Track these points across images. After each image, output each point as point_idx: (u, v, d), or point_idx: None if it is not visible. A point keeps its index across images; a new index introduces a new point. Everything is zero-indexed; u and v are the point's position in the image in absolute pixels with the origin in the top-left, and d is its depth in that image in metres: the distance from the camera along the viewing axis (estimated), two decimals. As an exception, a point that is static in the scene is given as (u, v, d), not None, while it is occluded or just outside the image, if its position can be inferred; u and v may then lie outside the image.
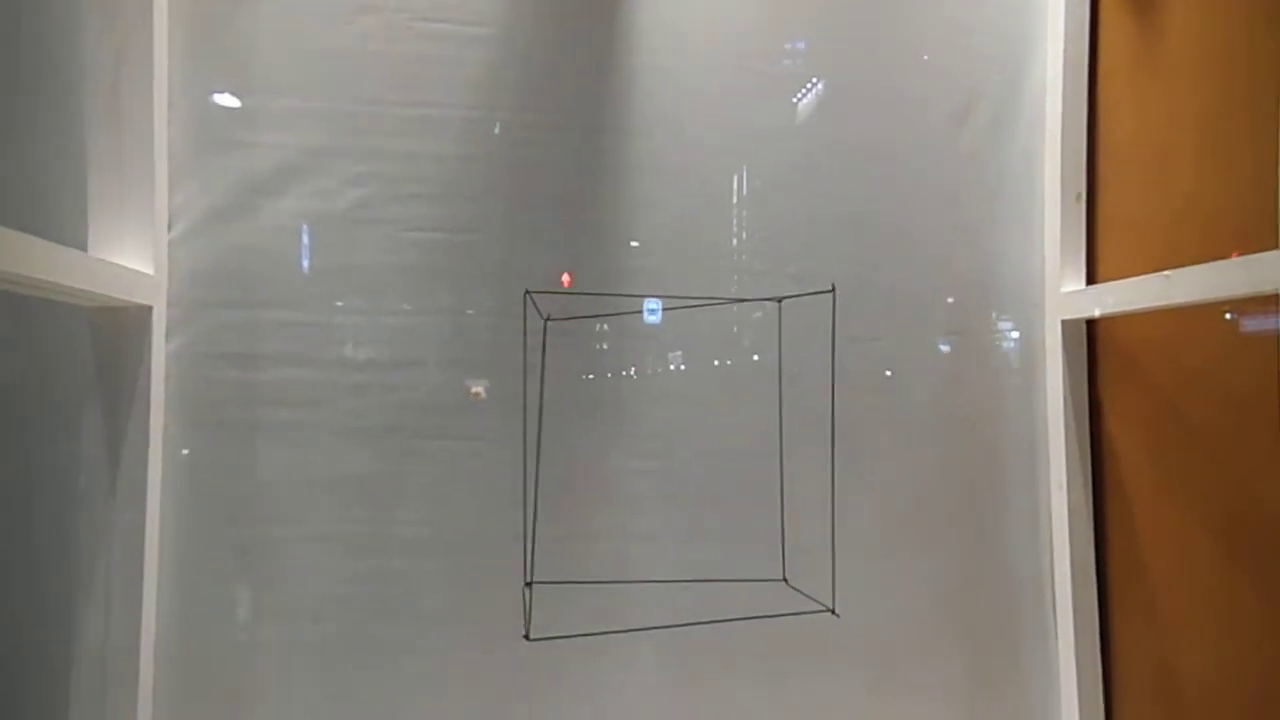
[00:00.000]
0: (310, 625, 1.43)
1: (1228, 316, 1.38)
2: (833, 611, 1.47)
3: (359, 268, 1.46)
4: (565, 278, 1.47)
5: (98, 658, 1.30)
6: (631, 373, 1.53)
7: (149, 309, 1.34)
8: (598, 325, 1.51)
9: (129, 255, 1.31)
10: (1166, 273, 1.33)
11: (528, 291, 1.46)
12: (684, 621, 1.47)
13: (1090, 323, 1.62)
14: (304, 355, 1.45)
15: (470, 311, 1.49)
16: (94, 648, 1.30)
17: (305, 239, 1.45)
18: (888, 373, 1.61)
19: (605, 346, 1.52)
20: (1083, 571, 1.60)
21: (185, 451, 1.40)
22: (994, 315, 1.66)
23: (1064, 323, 1.61)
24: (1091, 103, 1.62)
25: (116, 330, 1.32)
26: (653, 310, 1.51)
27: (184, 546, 1.40)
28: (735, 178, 1.57)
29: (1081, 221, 1.61)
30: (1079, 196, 1.61)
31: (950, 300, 1.64)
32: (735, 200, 1.56)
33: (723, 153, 1.57)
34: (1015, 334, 1.66)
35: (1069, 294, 1.60)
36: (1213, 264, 1.24)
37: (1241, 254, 1.27)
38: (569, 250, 1.51)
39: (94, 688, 1.29)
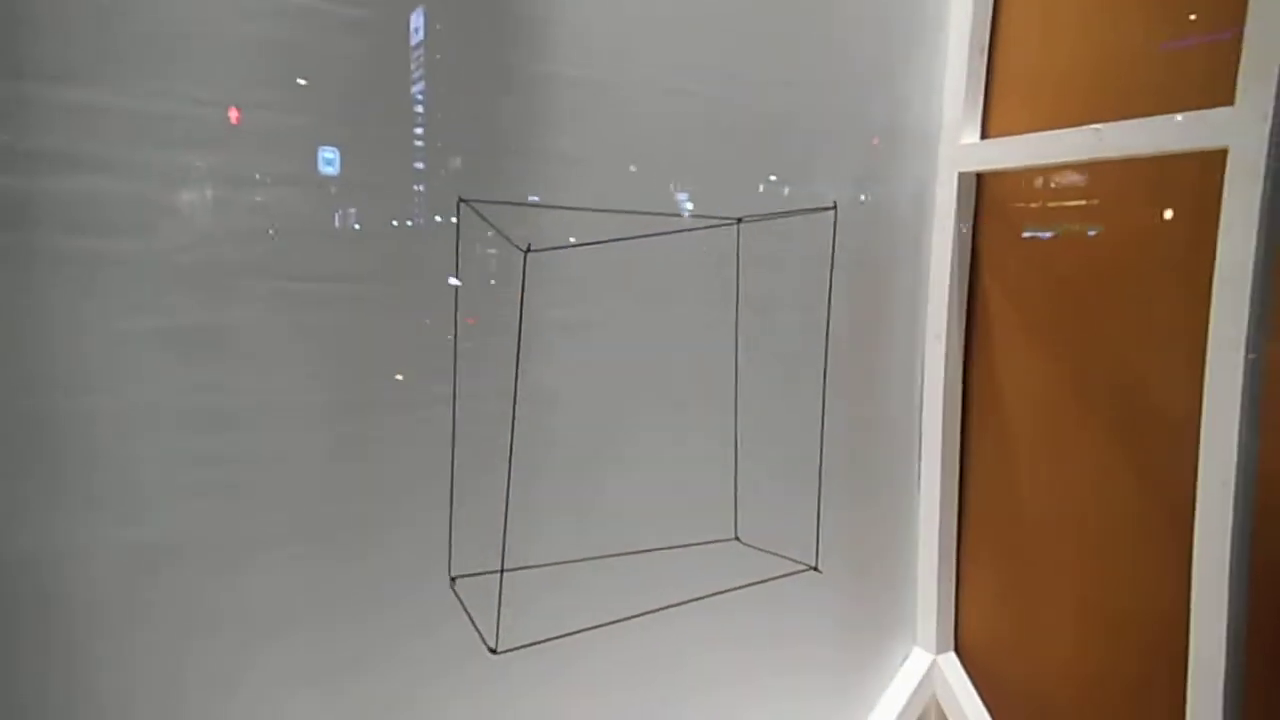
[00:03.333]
0: (149, 527, 1.05)
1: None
2: (814, 568, 1.36)
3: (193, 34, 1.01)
4: None
5: None
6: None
7: None
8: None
9: None
10: (1096, 126, 1.36)
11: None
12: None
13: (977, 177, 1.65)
14: (111, 156, 0.99)
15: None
16: None
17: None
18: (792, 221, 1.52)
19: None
20: (951, 416, 1.70)
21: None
22: (895, 164, 1.62)
23: (960, 175, 1.62)
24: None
25: None
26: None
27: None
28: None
29: (982, 74, 1.61)
30: (983, 50, 1.60)
31: (860, 148, 1.58)
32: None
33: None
34: (911, 184, 1.65)
35: (968, 146, 1.61)
36: (1154, 119, 1.29)
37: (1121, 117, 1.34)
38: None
39: None
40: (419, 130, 1.15)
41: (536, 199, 1.22)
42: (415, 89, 1.14)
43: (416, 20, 1.14)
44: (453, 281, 1.15)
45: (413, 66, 1.15)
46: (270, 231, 1.08)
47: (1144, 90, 1.40)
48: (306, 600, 1.12)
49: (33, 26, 0.93)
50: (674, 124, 1.36)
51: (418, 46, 1.14)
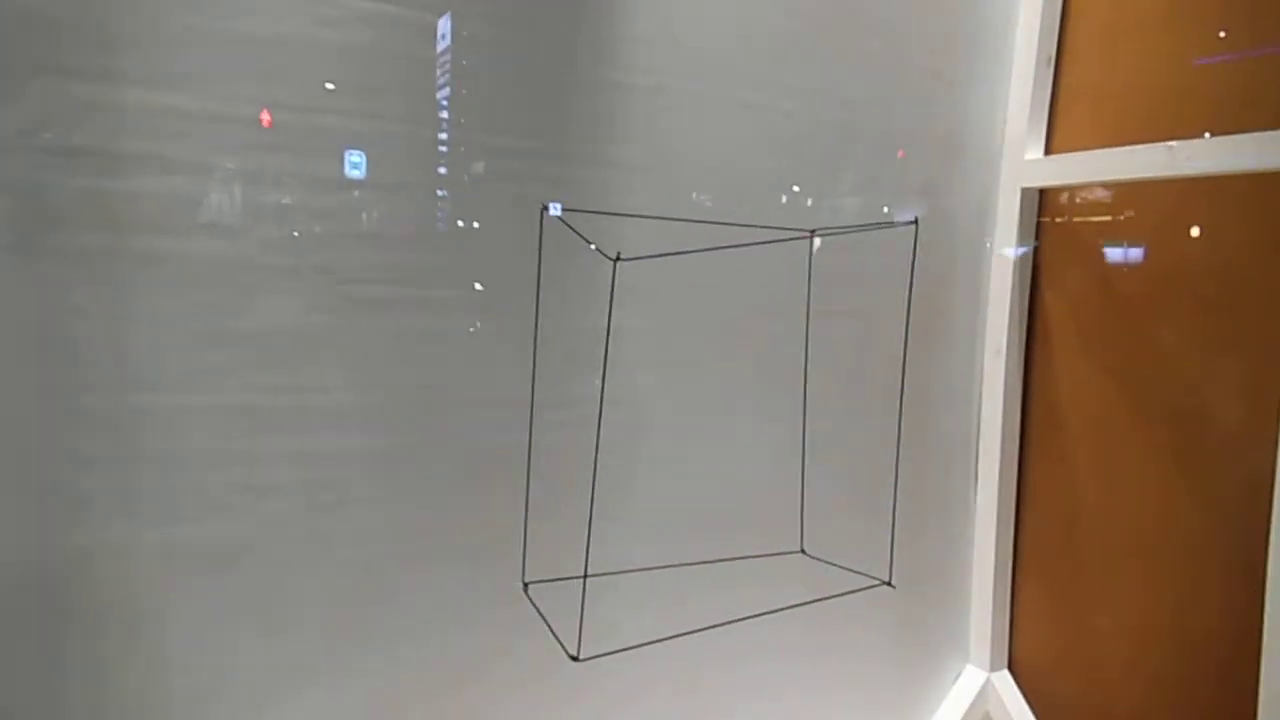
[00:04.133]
0: (204, 526, 1.05)
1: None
2: (889, 584, 1.35)
3: (285, 38, 1.03)
4: None
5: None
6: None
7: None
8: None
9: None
10: (1171, 143, 1.35)
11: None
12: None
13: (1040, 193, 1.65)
14: (188, 159, 1.00)
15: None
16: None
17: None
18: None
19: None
20: (1010, 433, 1.69)
21: (13, 291, 0.94)
22: (957, 178, 1.62)
23: (1023, 190, 1.61)
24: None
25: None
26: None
27: (19, 420, 0.96)
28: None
29: (1047, 88, 1.60)
30: (1049, 60, 1.59)
31: (920, 162, 1.57)
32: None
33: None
34: (973, 198, 1.64)
35: (1032, 161, 1.60)
36: (1232, 136, 1.28)
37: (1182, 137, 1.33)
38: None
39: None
40: (500, 139, 1.16)
41: (604, 208, 1.23)
42: (497, 97, 1.16)
43: (489, 30, 1.15)
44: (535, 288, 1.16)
45: (493, 75, 1.16)
46: (348, 234, 1.09)
47: (1211, 105, 1.40)
48: (373, 596, 1.13)
49: (115, 30, 0.95)
50: (743, 136, 1.36)
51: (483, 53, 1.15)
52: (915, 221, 1.46)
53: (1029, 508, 1.72)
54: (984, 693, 1.73)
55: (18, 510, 0.94)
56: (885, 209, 1.54)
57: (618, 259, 1.11)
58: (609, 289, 1.09)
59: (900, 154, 1.55)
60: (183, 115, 0.98)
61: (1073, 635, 1.67)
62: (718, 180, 1.34)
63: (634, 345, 1.25)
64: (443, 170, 1.15)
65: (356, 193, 1.09)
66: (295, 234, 1.06)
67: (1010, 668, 1.75)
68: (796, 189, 1.42)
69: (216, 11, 0.98)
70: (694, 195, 1.33)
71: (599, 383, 1.15)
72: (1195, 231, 1.46)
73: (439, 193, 1.15)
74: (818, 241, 1.39)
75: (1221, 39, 1.41)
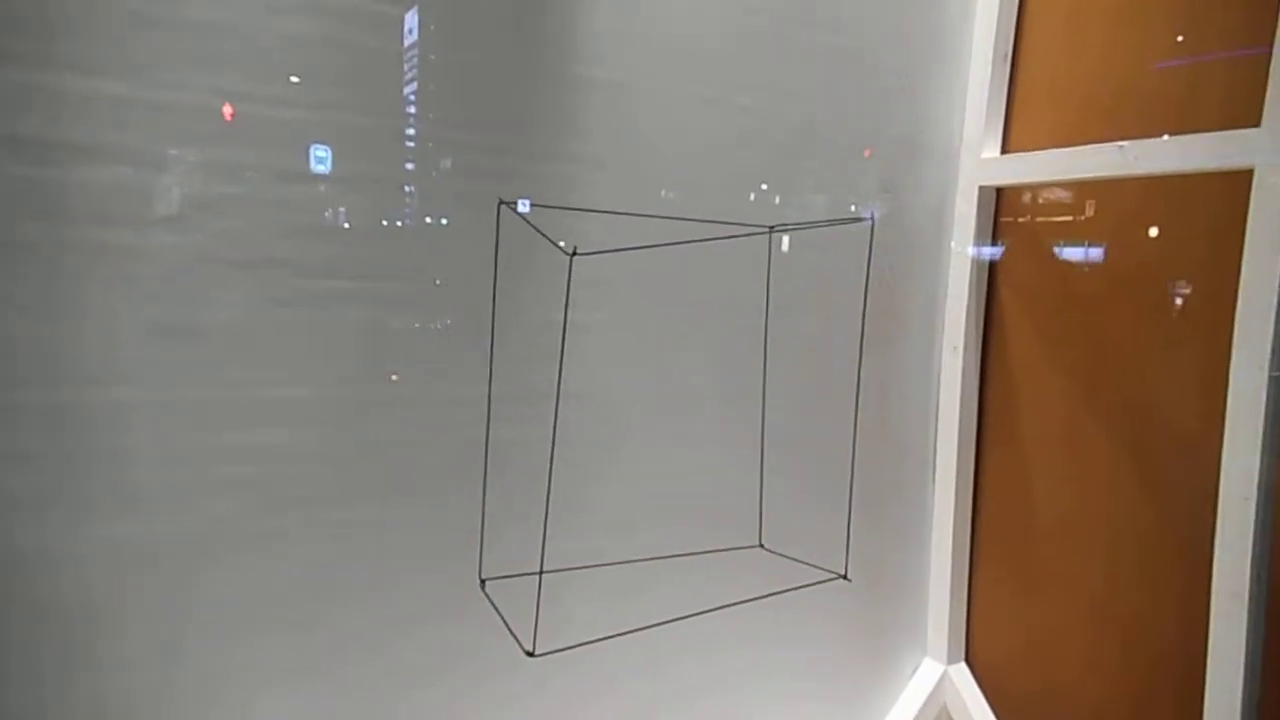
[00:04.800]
0: (153, 522, 1.03)
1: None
2: (844, 577, 1.35)
3: (242, 26, 1.01)
4: None
5: None
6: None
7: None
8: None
9: None
10: (1122, 143, 1.37)
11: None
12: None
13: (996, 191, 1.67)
14: (136, 149, 0.98)
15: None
16: None
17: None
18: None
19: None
20: (966, 429, 1.71)
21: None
22: (915, 176, 1.64)
23: (980, 189, 1.63)
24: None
25: None
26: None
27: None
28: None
29: (1004, 89, 1.62)
30: (1006, 56, 1.61)
31: (879, 159, 1.59)
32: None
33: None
34: (932, 196, 1.66)
35: (989, 160, 1.62)
36: (1181, 137, 1.30)
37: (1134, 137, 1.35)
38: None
39: None
40: (464, 134, 1.15)
41: (565, 203, 1.23)
42: (461, 91, 1.15)
43: (455, 25, 1.14)
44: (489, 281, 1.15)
45: (454, 69, 1.15)
46: (304, 228, 1.08)
47: (1166, 107, 1.42)
48: (330, 595, 1.12)
49: (61, 18, 0.93)
50: (704, 132, 1.36)
51: (439, 48, 1.14)
52: (871, 218, 1.48)
53: (986, 502, 1.75)
54: (941, 685, 1.75)
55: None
56: (851, 206, 1.56)
57: (574, 254, 1.10)
58: (566, 284, 1.09)
59: (867, 153, 1.57)
60: (131, 104, 0.96)
61: (1030, 628, 1.70)
62: (679, 176, 1.34)
63: (594, 340, 1.25)
64: (407, 165, 1.14)
65: (321, 187, 1.08)
66: (251, 227, 1.04)
67: (967, 660, 1.78)
68: (759, 185, 1.43)
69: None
70: (656, 191, 1.33)
71: (557, 378, 1.14)
72: (1151, 231, 1.49)
73: (404, 188, 1.15)
74: (778, 238, 1.40)
75: (1179, 42, 1.44)
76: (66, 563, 0.98)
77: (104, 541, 1.00)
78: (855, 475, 1.46)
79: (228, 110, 1.02)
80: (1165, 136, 1.36)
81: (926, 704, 1.73)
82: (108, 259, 0.98)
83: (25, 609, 0.97)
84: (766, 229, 1.37)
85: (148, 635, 1.04)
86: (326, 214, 1.10)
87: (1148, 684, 1.50)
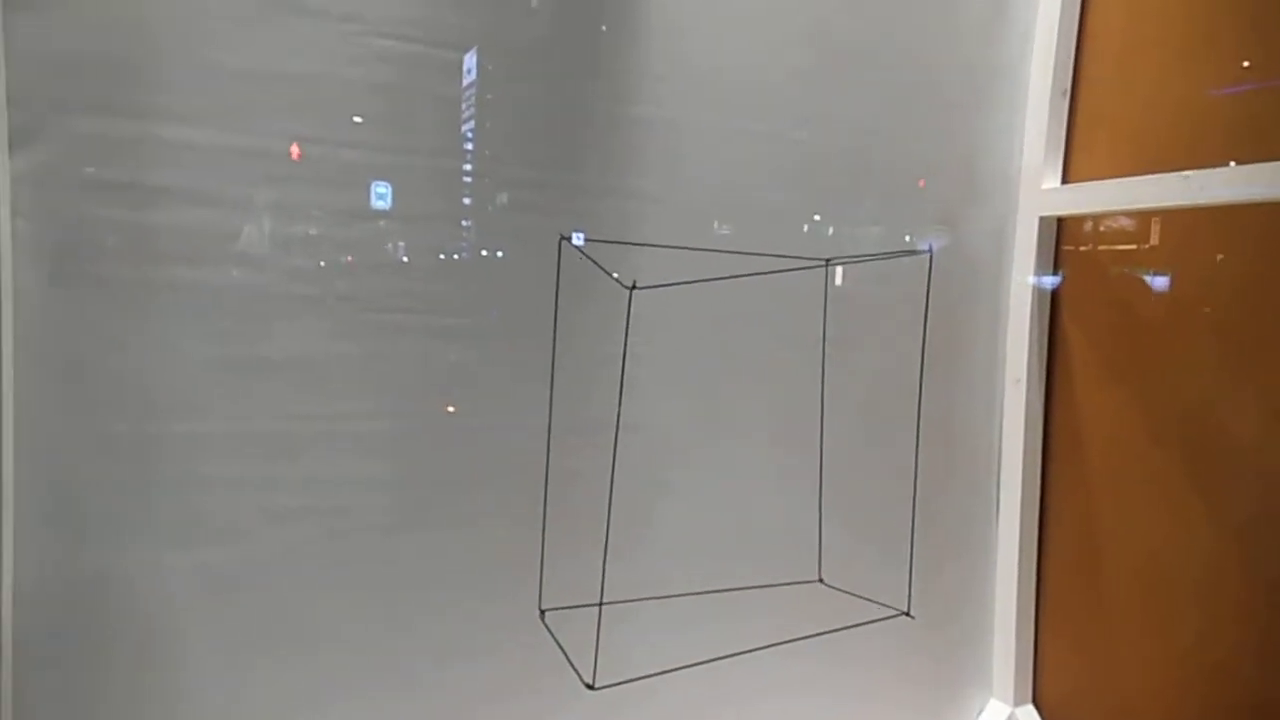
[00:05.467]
0: (226, 549, 1.07)
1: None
2: (907, 614, 1.33)
3: (304, 76, 1.06)
4: None
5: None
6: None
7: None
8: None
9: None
10: (1186, 173, 1.35)
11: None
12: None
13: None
14: (215, 191, 1.03)
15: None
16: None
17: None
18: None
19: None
20: (1031, 463, 1.67)
21: (47, 318, 0.97)
22: (974, 207, 1.62)
23: (1041, 220, 1.61)
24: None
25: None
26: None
27: (49, 447, 0.98)
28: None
29: (1063, 118, 1.61)
30: (1065, 93, 1.60)
31: (937, 191, 1.58)
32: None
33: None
34: (992, 227, 1.64)
35: (1049, 191, 1.60)
36: (1245, 166, 1.28)
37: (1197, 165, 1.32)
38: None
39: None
40: (522, 171, 1.19)
41: (621, 238, 1.25)
42: (518, 130, 1.18)
43: (511, 66, 1.18)
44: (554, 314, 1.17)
45: (510, 108, 1.18)
46: (372, 263, 1.11)
47: (1226, 135, 1.39)
48: (391, 624, 1.14)
49: (165, 73, 0.99)
50: (758, 166, 1.38)
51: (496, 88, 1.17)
52: (930, 250, 1.47)
53: (1051, 538, 1.70)
54: (1008, 728, 1.70)
55: (43, 534, 0.97)
56: (907, 238, 1.55)
57: (634, 287, 1.12)
58: (625, 317, 1.11)
59: (921, 183, 1.56)
60: (214, 150, 1.01)
61: (1098, 670, 1.64)
62: (734, 210, 1.36)
63: (652, 373, 1.26)
64: (467, 201, 1.17)
65: (382, 223, 1.12)
66: (321, 263, 1.08)
67: (1035, 702, 1.72)
68: (814, 218, 1.43)
69: (250, 51, 1.01)
70: (711, 225, 1.35)
71: (616, 409, 1.16)
72: (1215, 259, 1.45)
73: (463, 223, 1.18)
74: (835, 270, 1.40)
75: (1239, 69, 1.41)
76: (146, 585, 1.02)
77: (178, 566, 1.04)
78: (917, 510, 1.44)
79: (295, 151, 1.07)
80: (1231, 164, 1.33)
81: (993, 747, 1.68)
82: (187, 296, 1.02)
83: (107, 628, 1.01)
84: (823, 262, 1.37)
85: (218, 659, 1.06)
86: (389, 249, 1.14)
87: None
